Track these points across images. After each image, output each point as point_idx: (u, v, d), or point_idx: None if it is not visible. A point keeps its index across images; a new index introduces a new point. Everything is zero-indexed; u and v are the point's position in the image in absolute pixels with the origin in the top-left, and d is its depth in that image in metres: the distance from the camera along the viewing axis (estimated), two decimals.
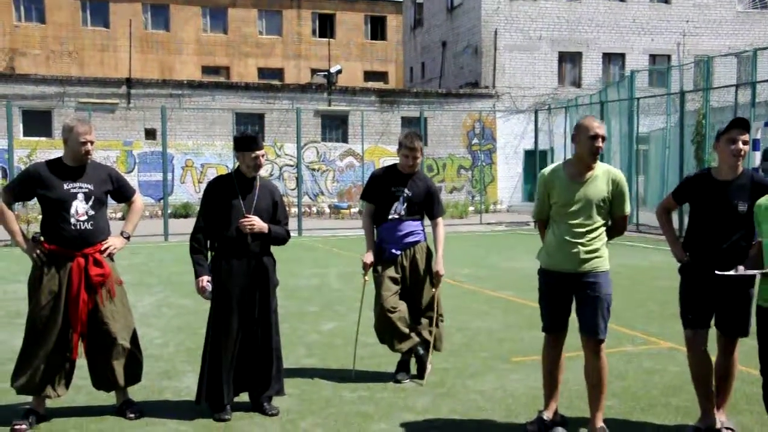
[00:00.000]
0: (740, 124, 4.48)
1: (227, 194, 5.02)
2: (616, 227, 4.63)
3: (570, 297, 4.58)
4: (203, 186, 26.09)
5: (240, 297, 4.97)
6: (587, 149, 4.43)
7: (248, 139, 5.03)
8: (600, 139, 4.41)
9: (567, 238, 4.47)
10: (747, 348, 6.66)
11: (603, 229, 4.55)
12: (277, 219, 5.13)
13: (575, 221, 4.46)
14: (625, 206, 4.57)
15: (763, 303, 4.16)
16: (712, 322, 4.62)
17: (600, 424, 4.52)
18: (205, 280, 4.94)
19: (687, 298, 4.61)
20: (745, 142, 4.45)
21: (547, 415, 4.68)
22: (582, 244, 4.45)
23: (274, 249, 5.20)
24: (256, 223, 4.96)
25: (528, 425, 4.73)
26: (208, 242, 5.07)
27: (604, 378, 4.53)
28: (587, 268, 4.46)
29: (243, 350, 5.02)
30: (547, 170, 4.67)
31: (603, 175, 4.50)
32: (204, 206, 5.07)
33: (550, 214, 4.62)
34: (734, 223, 4.43)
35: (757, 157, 14.24)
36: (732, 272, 4.20)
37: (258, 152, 4.99)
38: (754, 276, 4.31)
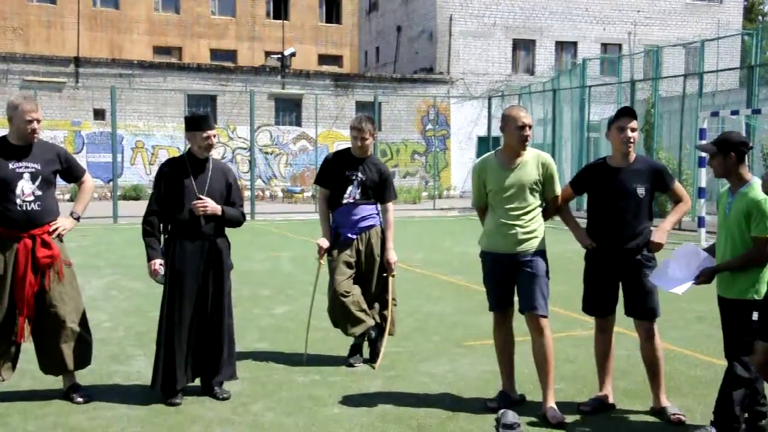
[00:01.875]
0: (628, 113, 4.69)
1: (179, 176, 4.94)
2: (549, 208, 4.85)
3: (511, 275, 4.72)
4: (154, 168, 25.50)
5: (193, 280, 4.90)
6: (516, 138, 4.63)
7: (198, 118, 4.97)
8: (527, 128, 4.62)
9: (504, 221, 4.65)
10: (692, 333, 6.86)
11: (539, 210, 4.74)
12: (231, 201, 5.08)
13: (511, 205, 4.65)
14: (556, 187, 4.79)
15: (721, 293, 4.29)
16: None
17: (551, 404, 4.62)
18: (158, 263, 4.88)
19: (591, 285, 4.81)
20: (633, 129, 4.64)
21: (508, 393, 4.87)
22: (519, 226, 4.63)
23: (227, 232, 5.14)
24: (209, 205, 4.89)
25: (488, 403, 4.84)
26: (161, 225, 5.00)
27: (549, 356, 4.65)
28: (524, 248, 4.64)
29: (197, 334, 4.95)
30: (479, 160, 4.90)
31: (533, 160, 4.70)
32: (156, 189, 4.99)
33: (488, 201, 4.79)
34: (633, 207, 4.61)
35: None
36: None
37: (209, 132, 4.93)
38: (653, 258, 4.62)
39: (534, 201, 4.69)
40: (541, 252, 4.69)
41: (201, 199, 4.89)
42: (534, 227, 4.67)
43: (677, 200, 4.78)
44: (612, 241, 4.63)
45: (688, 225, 15.21)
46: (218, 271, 4.98)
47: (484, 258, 4.84)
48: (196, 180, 4.95)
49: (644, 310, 4.69)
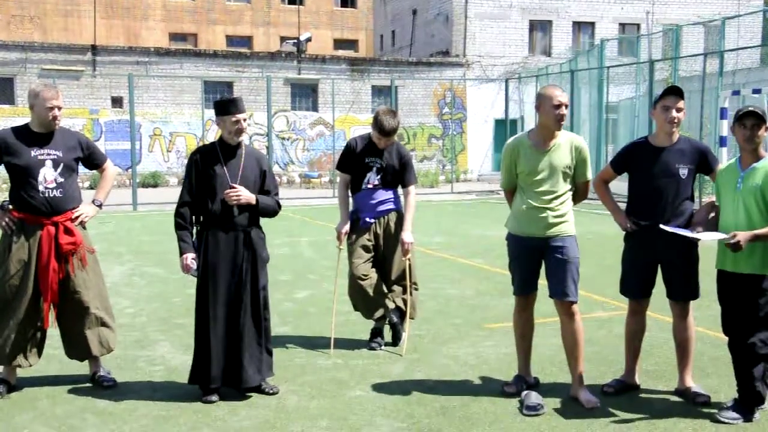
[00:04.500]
0: (674, 92, 4.59)
1: (211, 164, 4.71)
2: (579, 192, 4.77)
3: (538, 259, 4.69)
4: (172, 155, 25.41)
5: (227, 273, 4.71)
6: (551, 118, 4.54)
7: (227, 102, 4.74)
8: (563, 107, 4.53)
9: (535, 204, 4.58)
10: (715, 313, 6.80)
11: (569, 194, 4.67)
12: (265, 189, 4.87)
13: (542, 188, 4.57)
14: (588, 172, 4.71)
15: (721, 266, 4.29)
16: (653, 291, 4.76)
17: (583, 388, 4.61)
18: (190, 258, 4.68)
19: (630, 267, 4.75)
20: (679, 110, 4.54)
21: (524, 377, 4.84)
22: (550, 209, 4.56)
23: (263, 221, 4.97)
24: (243, 194, 4.68)
25: (505, 387, 4.82)
26: (193, 217, 4.80)
27: (580, 341, 4.62)
28: (554, 232, 4.57)
29: (231, 330, 4.74)
30: (511, 140, 4.79)
31: (566, 143, 4.62)
32: (187, 178, 4.77)
33: (517, 183, 4.72)
34: (675, 188, 4.55)
35: (725, 126, 14.35)
36: (674, 229, 4.38)
37: (238, 116, 4.69)
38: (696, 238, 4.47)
39: (565, 185, 4.61)
40: (571, 237, 4.61)
41: (234, 187, 4.70)
42: (564, 211, 4.59)
43: None
44: (652, 221, 4.55)
45: None
46: (253, 263, 4.77)
47: (511, 241, 4.76)
48: (229, 168, 4.72)
49: (685, 292, 4.64)
